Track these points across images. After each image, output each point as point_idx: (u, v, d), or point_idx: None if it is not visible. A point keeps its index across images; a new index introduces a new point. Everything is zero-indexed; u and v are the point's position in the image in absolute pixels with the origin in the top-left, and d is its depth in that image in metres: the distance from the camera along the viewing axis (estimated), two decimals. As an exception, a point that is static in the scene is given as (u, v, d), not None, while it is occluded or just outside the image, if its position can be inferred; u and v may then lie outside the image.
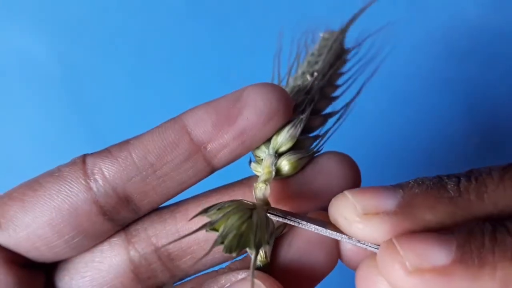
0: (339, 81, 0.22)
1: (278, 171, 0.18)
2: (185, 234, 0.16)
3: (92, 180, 0.17)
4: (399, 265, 0.14)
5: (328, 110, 0.21)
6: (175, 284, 0.20)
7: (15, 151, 0.40)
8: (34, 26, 0.39)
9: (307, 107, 0.19)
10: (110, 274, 0.19)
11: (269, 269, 0.17)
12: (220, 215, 0.16)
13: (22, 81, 0.40)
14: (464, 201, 0.15)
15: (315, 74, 0.21)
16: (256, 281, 0.16)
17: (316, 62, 0.22)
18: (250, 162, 0.19)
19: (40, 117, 0.40)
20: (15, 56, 0.39)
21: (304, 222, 0.17)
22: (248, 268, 0.18)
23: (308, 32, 0.24)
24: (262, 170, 0.18)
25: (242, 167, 0.20)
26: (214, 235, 0.16)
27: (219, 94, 0.18)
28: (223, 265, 0.19)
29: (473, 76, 0.40)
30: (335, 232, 0.16)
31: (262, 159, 0.19)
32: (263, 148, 0.19)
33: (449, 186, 0.15)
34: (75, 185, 0.17)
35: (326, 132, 0.20)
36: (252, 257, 0.16)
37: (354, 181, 0.18)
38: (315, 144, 0.19)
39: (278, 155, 0.18)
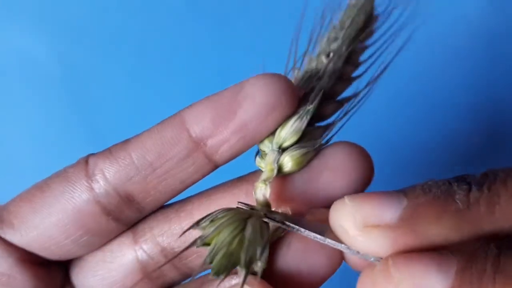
0: (362, 57, 0.20)
1: (280, 168, 0.17)
2: (185, 232, 0.16)
3: (94, 181, 0.17)
4: (393, 287, 0.13)
5: (346, 93, 0.19)
6: (184, 282, 0.20)
7: (15, 151, 0.40)
8: (34, 26, 0.39)
9: (316, 95, 0.18)
10: (120, 274, 0.19)
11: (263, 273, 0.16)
12: (212, 228, 0.15)
13: (22, 81, 0.40)
14: (472, 214, 0.14)
15: (331, 55, 0.19)
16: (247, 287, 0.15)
17: (336, 39, 0.20)
18: (256, 155, 0.18)
19: (40, 117, 0.40)
20: (15, 56, 0.39)
21: (303, 230, 0.16)
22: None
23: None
24: (264, 166, 0.18)
25: (250, 160, 0.19)
26: None
27: (219, 94, 0.18)
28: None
29: (473, 75, 0.40)
30: (335, 242, 0.15)
31: (267, 154, 0.18)
32: (266, 142, 0.18)
33: (457, 196, 0.14)
34: (78, 186, 0.17)
35: (338, 120, 0.18)
36: (242, 276, 0.15)
37: (365, 176, 0.17)
38: (324, 135, 0.18)
39: (282, 150, 0.17)
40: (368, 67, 0.20)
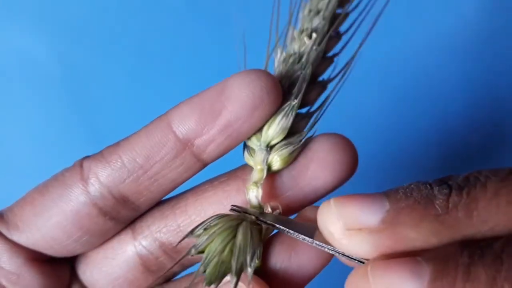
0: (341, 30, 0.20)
1: (269, 166, 0.18)
2: (185, 233, 0.17)
3: (89, 184, 0.18)
4: None
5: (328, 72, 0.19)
6: (183, 273, 0.21)
7: (15, 151, 0.40)
8: (34, 26, 0.39)
9: (300, 89, 0.18)
10: (122, 269, 0.20)
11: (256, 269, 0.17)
12: (205, 237, 0.16)
13: (22, 81, 0.40)
14: (451, 219, 0.14)
15: (314, 35, 0.19)
16: (241, 283, 0.16)
17: (318, 12, 0.19)
18: (244, 148, 0.19)
19: (40, 117, 0.40)
20: (15, 56, 0.39)
21: (292, 232, 0.17)
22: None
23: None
24: (254, 166, 0.18)
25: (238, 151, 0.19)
26: None
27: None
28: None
29: (473, 75, 0.40)
30: (322, 244, 0.16)
31: (255, 152, 0.18)
32: (254, 139, 0.18)
33: (437, 202, 0.14)
34: (74, 190, 0.18)
35: (321, 106, 0.18)
36: (233, 284, 0.16)
37: (350, 166, 0.17)
38: (310, 124, 0.18)
39: (270, 147, 0.18)
40: (348, 41, 0.19)
